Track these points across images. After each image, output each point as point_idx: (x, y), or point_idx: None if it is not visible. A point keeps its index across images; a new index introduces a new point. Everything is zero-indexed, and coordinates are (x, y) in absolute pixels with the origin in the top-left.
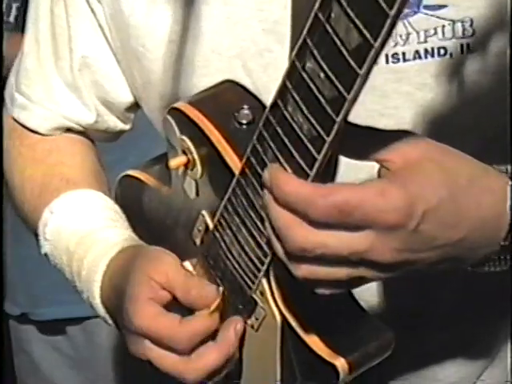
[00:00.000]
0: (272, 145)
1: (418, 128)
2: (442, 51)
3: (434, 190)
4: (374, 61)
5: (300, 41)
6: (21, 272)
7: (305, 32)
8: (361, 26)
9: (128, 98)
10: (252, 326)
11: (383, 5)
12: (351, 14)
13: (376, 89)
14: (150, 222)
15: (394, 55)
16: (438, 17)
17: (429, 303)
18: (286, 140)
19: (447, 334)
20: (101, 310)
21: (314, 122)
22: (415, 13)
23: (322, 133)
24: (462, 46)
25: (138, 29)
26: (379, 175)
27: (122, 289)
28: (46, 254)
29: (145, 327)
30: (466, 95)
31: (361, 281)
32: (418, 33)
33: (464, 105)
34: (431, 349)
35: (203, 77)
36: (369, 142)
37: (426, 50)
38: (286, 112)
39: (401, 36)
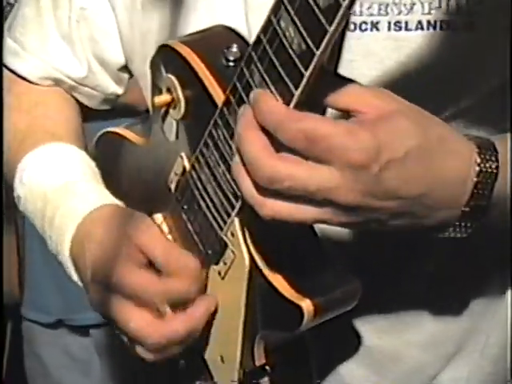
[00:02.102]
0: (260, 66)
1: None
2: (445, 25)
3: (401, 140)
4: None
5: None
6: (54, 280)
7: None
8: None
9: (122, 58)
10: (219, 273)
11: None
12: None
13: (375, 55)
14: (126, 175)
15: (397, 23)
16: None
17: (412, 258)
18: (275, 58)
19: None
20: (68, 263)
21: (305, 34)
22: None
23: (311, 45)
24: (465, 22)
25: None
26: (350, 119)
27: (98, 244)
28: (18, 197)
29: (120, 280)
30: (459, 71)
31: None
32: (422, 4)
33: (455, 80)
34: (410, 304)
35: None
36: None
37: (428, 22)
38: (277, 28)
39: (405, 5)
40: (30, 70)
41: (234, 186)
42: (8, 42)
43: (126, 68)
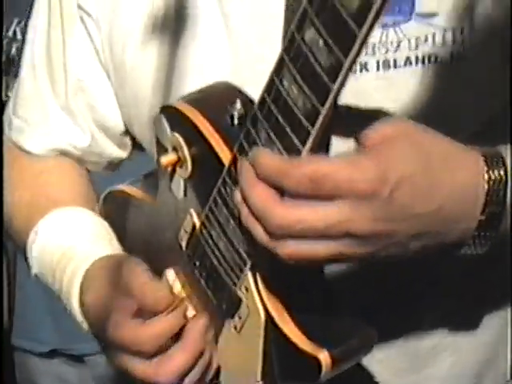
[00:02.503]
0: (266, 125)
1: None
2: (433, 58)
3: (408, 162)
4: (373, 22)
5: (300, 12)
6: (48, 308)
7: (305, 1)
8: None
9: (123, 123)
10: (235, 327)
11: None
12: None
13: (366, 95)
14: (135, 234)
15: (385, 62)
16: (429, 24)
17: (428, 294)
18: (280, 117)
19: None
20: (84, 325)
21: (309, 93)
22: (407, 20)
23: (316, 104)
24: (452, 54)
25: (133, 47)
26: (355, 151)
27: (97, 300)
28: (36, 275)
29: (111, 336)
30: (455, 102)
31: (345, 259)
32: (409, 40)
33: (452, 112)
34: (428, 339)
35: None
36: (347, 118)
37: (416, 57)
38: (281, 87)
39: (392, 43)
40: (35, 144)
41: (246, 242)
42: (13, 119)
43: (128, 132)
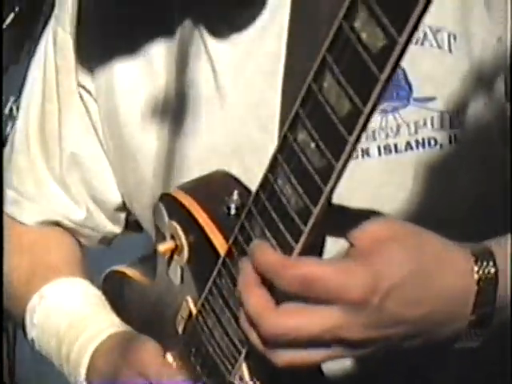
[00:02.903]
0: (260, 221)
1: (411, 216)
2: (433, 142)
3: (397, 268)
4: (363, 128)
5: (292, 113)
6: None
7: (297, 104)
8: (352, 93)
9: (118, 198)
10: None
11: (374, 69)
12: (343, 82)
13: (369, 181)
14: (134, 315)
15: (386, 147)
16: (427, 108)
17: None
18: (274, 214)
19: None
20: None
21: (302, 193)
22: (405, 105)
23: (309, 204)
24: (450, 136)
25: (133, 126)
26: (346, 254)
27: (107, 375)
28: (32, 340)
29: None
30: (456, 184)
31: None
32: (408, 125)
33: (454, 194)
34: None
35: (197, 173)
36: (339, 219)
37: (416, 141)
38: (275, 185)
39: (391, 128)
40: (30, 216)
41: (241, 333)
42: (7, 191)
43: (122, 208)
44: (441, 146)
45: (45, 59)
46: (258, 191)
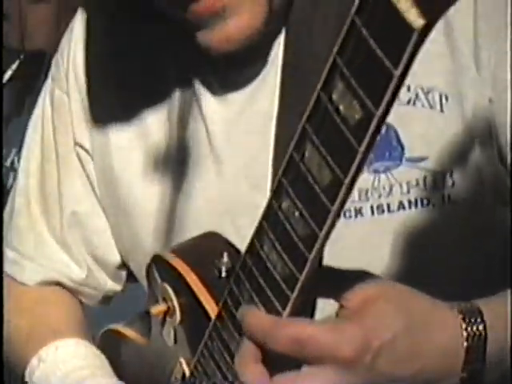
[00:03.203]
0: (248, 286)
1: (404, 276)
2: (426, 201)
3: (388, 327)
4: (346, 197)
5: (276, 181)
6: None
7: (280, 173)
8: (332, 164)
9: (119, 256)
10: None
11: (353, 141)
12: (323, 152)
13: (362, 240)
14: (131, 375)
15: (379, 207)
16: (419, 168)
17: None
18: (261, 280)
19: None
20: None
21: (287, 260)
22: (397, 165)
23: (294, 271)
24: (443, 196)
25: (128, 185)
26: (337, 315)
27: None
28: None
29: None
30: (450, 244)
31: None
32: (400, 184)
33: (449, 252)
34: None
35: (191, 233)
36: (329, 280)
37: (409, 201)
38: (261, 252)
39: (384, 188)
40: (30, 276)
41: None
42: (6, 251)
43: (124, 265)
44: (433, 205)
45: (42, 119)
46: (245, 257)
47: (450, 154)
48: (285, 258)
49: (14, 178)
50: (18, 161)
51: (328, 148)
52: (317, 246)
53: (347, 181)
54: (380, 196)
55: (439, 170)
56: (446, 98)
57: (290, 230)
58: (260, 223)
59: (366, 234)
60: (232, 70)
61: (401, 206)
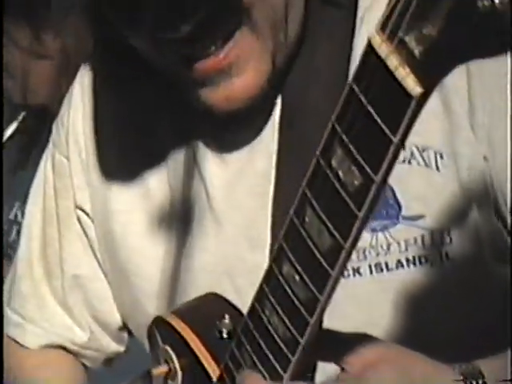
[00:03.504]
0: (249, 348)
1: (404, 335)
2: (423, 259)
3: None
4: (346, 261)
5: (276, 245)
6: None
7: (281, 237)
8: (332, 229)
9: (120, 318)
10: None
11: (353, 207)
12: (323, 217)
13: (361, 300)
14: None
15: (377, 265)
16: (416, 226)
17: None
18: (263, 343)
19: None
20: None
21: (288, 323)
22: (395, 224)
23: (296, 334)
24: (441, 254)
25: (128, 249)
26: (338, 378)
27: None
28: None
29: None
30: (449, 301)
31: None
32: (398, 243)
33: (448, 310)
34: None
35: (191, 293)
36: (330, 344)
37: (407, 259)
38: (263, 315)
39: (382, 246)
40: (33, 340)
41: None
42: (8, 313)
43: (125, 327)
44: (432, 263)
45: (44, 183)
46: (246, 320)
47: (447, 212)
48: (286, 322)
49: (18, 232)
50: (22, 215)
51: (328, 213)
52: (318, 309)
53: (347, 245)
54: (378, 254)
55: (437, 228)
56: (442, 157)
57: (291, 294)
58: (261, 286)
59: (365, 293)
60: (230, 130)
61: (399, 264)
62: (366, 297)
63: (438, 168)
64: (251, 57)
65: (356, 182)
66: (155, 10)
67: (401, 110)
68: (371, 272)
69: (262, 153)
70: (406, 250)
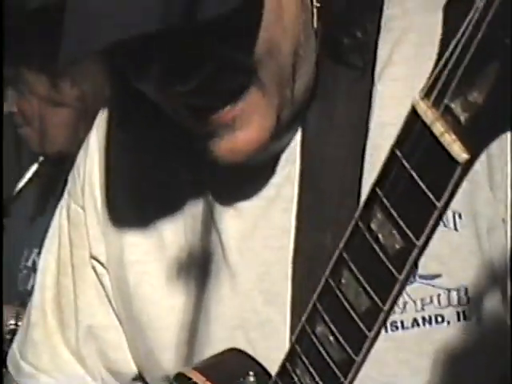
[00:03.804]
0: None
1: None
2: (440, 319)
3: None
4: (383, 323)
5: (310, 306)
6: None
7: (315, 297)
8: (370, 291)
9: (134, 368)
10: None
11: (393, 270)
12: (361, 279)
13: (374, 357)
14: None
15: (393, 323)
16: (433, 285)
17: None
18: None
19: None
20: None
21: None
22: (411, 282)
23: None
24: (458, 313)
25: (143, 300)
26: None
27: None
28: None
29: None
30: (466, 360)
31: None
32: (414, 301)
33: (464, 369)
34: None
35: (207, 346)
36: None
37: (423, 318)
38: (294, 375)
39: (398, 305)
40: None
41: None
42: (21, 364)
43: (139, 377)
44: (448, 322)
45: (59, 232)
46: (275, 380)
47: (465, 272)
48: (319, 383)
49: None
50: None
51: (366, 275)
52: (353, 371)
53: (386, 308)
54: (394, 313)
55: (453, 288)
56: (460, 217)
57: (325, 355)
58: (292, 346)
59: (378, 351)
60: (242, 181)
61: (415, 323)
62: (379, 354)
63: (456, 228)
64: (256, 112)
65: (397, 246)
66: (163, 62)
67: (446, 175)
68: (386, 330)
69: (280, 206)
70: (423, 308)
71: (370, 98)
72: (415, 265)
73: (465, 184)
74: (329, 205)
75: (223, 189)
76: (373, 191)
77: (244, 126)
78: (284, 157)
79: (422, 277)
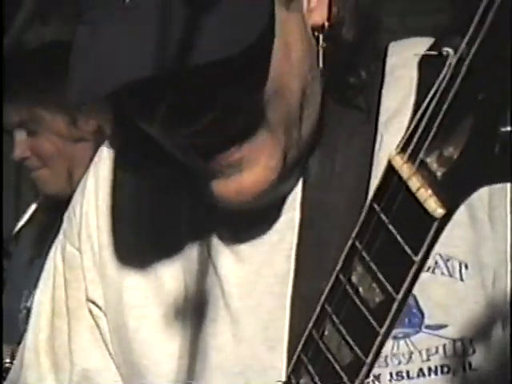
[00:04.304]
0: None
1: None
2: (445, 369)
3: None
4: (366, 376)
5: (294, 358)
6: None
7: (299, 349)
8: (352, 344)
9: None
10: None
11: (374, 323)
12: (343, 332)
13: None
14: None
15: (399, 373)
16: (439, 336)
17: None
18: None
19: None
20: None
21: None
22: (417, 332)
23: None
24: (464, 363)
25: (143, 343)
26: None
27: None
28: None
29: None
30: None
31: None
32: (420, 352)
33: None
34: None
35: None
36: None
37: (429, 368)
38: None
39: (403, 355)
40: None
41: None
42: None
43: None
44: (454, 373)
45: (54, 273)
46: None
47: (471, 322)
48: None
49: None
50: None
51: (348, 328)
52: None
53: (368, 360)
54: (400, 363)
55: (459, 338)
56: (466, 267)
57: None
58: None
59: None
60: (245, 225)
61: (421, 373)
62: None
63: (462, 278)
64: (263, 152)
65: (377, 299)
66: (170, 102)
67: (423, 230)
68: (391, 380)
69: (281, 254)
70: (428, 359)
71: (372, 145)
72: (397, 317)
73: (471, 235)
74: (328, 252)
75: (222, 232)
76: (353, 244)
77: (251, 167)
78: (288, 201)
79: (427, 327)
